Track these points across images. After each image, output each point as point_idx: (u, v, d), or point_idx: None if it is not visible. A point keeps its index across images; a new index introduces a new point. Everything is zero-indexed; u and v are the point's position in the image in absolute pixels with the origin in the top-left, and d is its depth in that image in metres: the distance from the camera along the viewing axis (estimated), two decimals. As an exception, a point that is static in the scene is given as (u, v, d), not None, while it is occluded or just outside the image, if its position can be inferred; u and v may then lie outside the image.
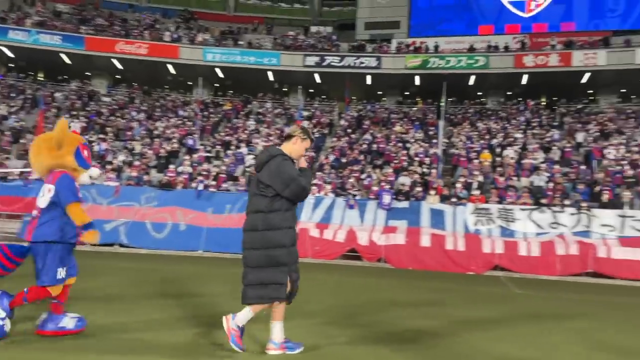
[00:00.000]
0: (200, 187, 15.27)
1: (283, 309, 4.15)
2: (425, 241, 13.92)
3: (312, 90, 34.22)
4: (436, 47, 30.87)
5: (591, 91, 30.58)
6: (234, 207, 14.94)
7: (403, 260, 13.84)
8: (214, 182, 16.61)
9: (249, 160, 19.07)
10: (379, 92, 33.45)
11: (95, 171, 4.77)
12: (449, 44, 31.88)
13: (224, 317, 4.19)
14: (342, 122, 27.58)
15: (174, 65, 30.40)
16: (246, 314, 4.16)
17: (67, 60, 29.93)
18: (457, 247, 13.74)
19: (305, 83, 32.75)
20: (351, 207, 15.03)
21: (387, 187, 16.08)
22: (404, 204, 15.31)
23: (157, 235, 14.30)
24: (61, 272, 4.25)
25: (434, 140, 22.99)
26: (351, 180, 17.08)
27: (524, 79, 29.36)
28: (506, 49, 29.67)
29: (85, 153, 4.60)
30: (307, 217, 14.85)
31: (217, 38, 32.16)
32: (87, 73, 32.10)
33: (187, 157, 19.14)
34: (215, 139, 22.32)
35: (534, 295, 9.40)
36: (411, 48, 31.06)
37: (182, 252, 14.05)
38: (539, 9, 31.96)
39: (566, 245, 13.25)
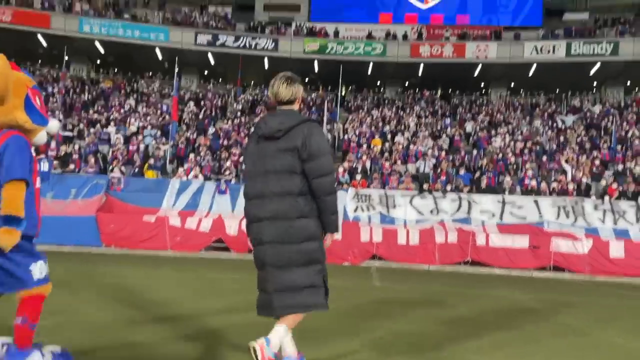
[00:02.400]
0: (44, 167, 12.93)
1: (300, 318, 3.18)
2: (300, 229, 12.66)
3: (207, 73, 32.18)
4: (336, 33, 29.99)
5: (483, 84, 31.23)
6: (80, 192, 12.80)
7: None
8: (55, 163, 14.25)
9: (117, 140, 16.87)
10: (277, 78, 32.04)
11: (54, 125, 3.28)
12: (349, 31, 31.17)
13: (255, 346, 2.93)
14: (236, 105, 25.96)
15: (45, 36, 27.01)
16: (279, 333, 3.06)
17: None
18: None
19: (198, 64, 30.69)
20: (222, 192, 13.45)
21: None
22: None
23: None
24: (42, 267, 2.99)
25: (329, 126, 22.07)
26: (228, 163, 15.49)
27: (421, 70, 29.30)
28: (404, 37, 29.39)
29: (38, 101, 3.06)
30: (170, 204, 13.09)
31: (98, 9, 29.00)
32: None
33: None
34: (81, 118, 19.74)
35: (391, 288, 8.43)
36: (310, 32, 29.94)
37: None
38: (436, 1, 32.06)
39: (446, 233, 12.58)
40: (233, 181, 14.37)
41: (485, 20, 31.64)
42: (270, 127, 3.21)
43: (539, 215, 13.02)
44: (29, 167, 2.87)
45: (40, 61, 30.04)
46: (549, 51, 27.13)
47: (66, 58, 29.61)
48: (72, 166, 14.26)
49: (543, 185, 14.31)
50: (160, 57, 29.19)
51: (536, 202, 13.25)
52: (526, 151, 18.00)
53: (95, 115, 19.67)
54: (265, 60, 29.17)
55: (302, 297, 3.08)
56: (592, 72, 27.80)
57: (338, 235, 3.60)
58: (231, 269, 10.05)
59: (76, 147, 15.95)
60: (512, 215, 13.14)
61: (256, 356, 2.91)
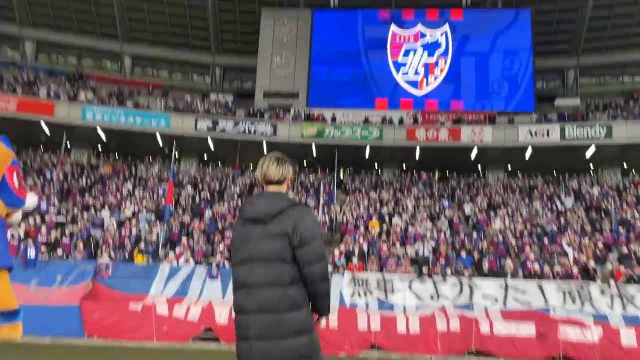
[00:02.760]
0: (31, 254, 12.57)
1: None
2: (294, 317, 12.04)
3: (206, 157, 32.59)
4: (333, 118, 30.72)
5: (480, 167, 31.46)
6: (66, 279, 12.33)
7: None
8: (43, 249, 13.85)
9: (110, 225, 16.60)
10: (277, 162, 32.39)
11: (32, 202, 3.07)
12: (346, 117, 31.95)
13: None
14: (234, 189, 25.98)
15: (49, 124, 27.56)
16: None
17: None
18: (329, 325, 11.97)
19: (198, 149, 31.17)
20: (213, 277, 12.97)
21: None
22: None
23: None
24: None
25: (326, 209, 21.94)
26: (221, 247, 15.11)
27: (417, 153, 29.64)
28: (400, 122, 30.04)
29: (16, 180, 2.88)
30: (158, 291, 12.56)
31: (102, 98, 29.88)
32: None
33: (30, 221, 16.30)
34: (76, 203, 19.61)
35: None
36: (308, 117, 30.67)
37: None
38: (431, 88, 33.11)
39: (447, 320, 11.94)
40: (226, 265, 13.91)
41: (479, 106, 32.47)
42: (258, 210, 2.98)
43: (545, 301, 12.43)
44: (7, 253, 2.63)
45: (42, 147, 30.56)
46: (543, 135, 27.58)
47: (68, 145, 30.34)
48: (60, 252, 13.86)
49: (546, 269, 13.82)
50: (160, 143, 29.65)
51: (540, 287, 12.72)
52: (526, 233, 17.64)
53: (91, 200, 19.54)
54: (264, 144, 29.60)
55: None
56: (589, 155, 28.06)
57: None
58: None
59: (67, 232, 15.63)
60: (516, 301, 12.55)
61: None
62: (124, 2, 34.13)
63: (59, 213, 17.87)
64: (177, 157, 30.83)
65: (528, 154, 28.35)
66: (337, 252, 14.97)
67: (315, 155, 30.38)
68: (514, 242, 16.70)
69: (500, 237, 17.41)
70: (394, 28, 34.09)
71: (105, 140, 29.53)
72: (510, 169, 31.00)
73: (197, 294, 12.67)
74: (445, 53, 33.42)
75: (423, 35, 33.97)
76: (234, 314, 3.01)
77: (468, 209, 22.32)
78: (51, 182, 22.27)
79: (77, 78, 34.01)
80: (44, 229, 15.24)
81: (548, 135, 27.41)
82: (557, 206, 22.28)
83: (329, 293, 3.03)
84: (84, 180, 23.84)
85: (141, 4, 34.82)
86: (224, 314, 12.05)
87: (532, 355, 11.42)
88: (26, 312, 9.85)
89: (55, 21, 35.70)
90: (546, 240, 17.07)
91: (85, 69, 36.55)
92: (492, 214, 20.95)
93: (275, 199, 3.01)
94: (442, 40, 33.71)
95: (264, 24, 34.92)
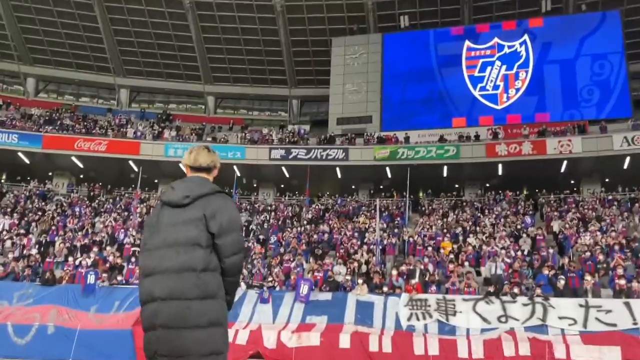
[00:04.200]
0: (91, 279, 13.09)
1: None
2: (344, 341, 11.36)
3: (282, 186, 33.03)
4: (406, 138, 29.87)
5: (573, 181, 28.85)
6: (123, 304, 12.63)
7: (318, 366, 11.23)
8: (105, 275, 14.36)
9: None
10: (352, 186, 32.07)
11: None
12: (421, 137, 30.99)
13: None
14: (308, 215, 25.90)
15: (136, 162, 29.43)
16: None
17: (25, 159, 29.14)
18: (382, 349, 11.15)
19: (274, 178, 31.71)
20: (264, 300, 12.66)
21: (309, 276, 13.81)
22: (326, 296, 12.92)
23: (18, 341, 11.85)
24: None
25: (396, 231, 21.08)
26: (277, 270, 14.84)
27: (500, 170, 27.88)
28: (477, 138, 28.51)
29: None
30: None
31: (183, 135, 31.49)
32: (49, 173, 31.24)
33: (101, 250, 17.19)
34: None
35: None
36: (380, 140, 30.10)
37: (46, 361, 11.54)
38: (511, 101, 31.27)
39: (516, 344, 10.63)
40: (277, 288, 13.60)
41: (567, 116, 30.04)
42: (177, 193, 2.83)
43: (633, 321, 10.69)
44: None
45: (133, 185, 32.65)
46: (642, 142, 24.78)
47: (156, 181, 32.18)
48: (119, 278, 14.34)
49: (635, 285, 11.96)
50: (238, 173, 30.50)
51: (628, 304, 10.99)
52: (617, 247, 15.57)
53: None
54: (338, 170, 29.45)
55: None
56: (697, 161, 24.79)
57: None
58: None
59: (133, 259, 16.23)
60: (598, 322, 10.93)
61: None
62: (203, 45, 36.02)
63: (133, 244, 18.65)
64: (254, 185, 31.85)
65: (626, 163, 25.58)
66: (394, 273, 14.10)
67: (389, 177, 29.64)
68: (601, 257, 14.77)
69: (588, 254, 15.52)
70: (468, 43, 32.81)
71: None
72: (607, 181, 28.08)
73: (247, 318, 12.41)
74: (526, 63, 31.49)
75: (500, 47, 32.34)
76: (140, 304, 2.77)
77: (556, 225, 20.34)
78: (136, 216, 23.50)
79: (164, 119, 36.22)
80: (111, 257, 15.96)
81: (648, 142, 24.57)
82: (660, 219, 19.67)
83: (238, 286, 2.98)
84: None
85: (219, 47, 36.58)
86: (272, 338, 11.68)
87: (619, 384, 9.79)
88: (81, 337, 10.10)
89: (144, 68, 38.44)
90: (643, 256, 14.97)
91: (172, 110, 38.99)
92: (582, 229, 18.88)
93: (198, 184, 2.87)
94: (522, 50, 31.87)
95: (335, 52, 35.21)
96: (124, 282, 14.29)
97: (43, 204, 25.72)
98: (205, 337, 2.61)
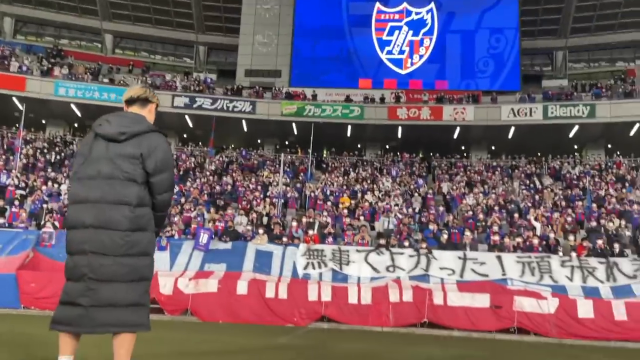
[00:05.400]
0: (-31, 222, 12.11)
1: (133, 342, 2.81)
2: (242, 288, 11.63)
3: (185, 135, 32.04)
4: (314, 96, 30.08)
5: (464, 147, 30.95)
6: (5, 248, 11.88)
7: (214, 312, 11.41)
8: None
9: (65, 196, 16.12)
10: (258, 140, 31.93)
11: None
12: (328, 96, 31.35)
13: None
14: (211, 166, 25.47)
15: (20, 99, 26.94)
16: None
17: None
18: (278, 295, 11.57)
19: (177, 126, 30.61)
20: (162, 248, 12.51)
21: (210, 226, 13.82)
22: (226, 245, 13.04)
23: None
24: None
25: (299, 186, 21.47)
26: (176, 219, 14.64)
27: (399, 132, 29.12)
28: (382, 100, 29.44)
29: None
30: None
31: (76, 74, 29.20)
32: None
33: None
34: (40, 177, 19.09)
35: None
36: (288, 95, 30.04)
37: None
38: (414, 67, 32.49)
39: (400, 291, 11.52)
40: (176, 236, 13.47)
41: (463, 85, 31.88)
42: (113, 128, 2.90)
43: (502, 272, 12.01)
44: None
45: (16, 124, 29.97)
46: (526, 114, 27.05)
47: (44, 122, 29.78)
48: (1, 220, 13.37)
49: (507, 240, 13.38)
50: (136, 119, 29.08)
51: (499, 257, 12.29)
52: (497, 208, 17.19)
53: (53, 174, 19.05)
54: (244, 122, 29.09)
55: (125, 314, 2.76)
56: (571, 134, 27.60)
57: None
58: (164, 329, 8.80)
59: (17, 202, 15.17)
60: (473, 272, 12.13)
61: None
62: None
63: (17, 187, 17.36)
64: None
65: (511, 133, 27.87)
66: (294, 224, 14.52)
67: (295, 133, 29.85)
68: (482, 216, 16.24)
69: (470, 213, 16.97)
70: (378, 5, 33.35)
71: (79, 116, 28.97)
72: (493, 148, 30.49)
73: (143, 264, 12.20)
74: (430, 31, 32.73)
75: (409, 13, 33.26)
76: (66, 228, 2.98)
77: (445, 187, 21.86)
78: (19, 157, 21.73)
79: (55, 54, 33.28)
80: (-4, 200, 14.81)
81: (530, 114, 26.89)
82: (534, 184, 21.82)
83: (165, 220, 3.28)
84: (54, 156, 23.32)
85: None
86: (168, 285, 11.64)
87: (485, 327, 11.03)
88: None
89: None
90: (516, 216, 16.64)
91: (65, 46, 35.86)
92: (468, 191, 20.49)
93: (133, 120, 2.96)
94: (428, 18, 33.00)
95: (246, 1, 34.20)
96: (6, 225, 13.34)
97: None
98: (134, 265, 2.81)
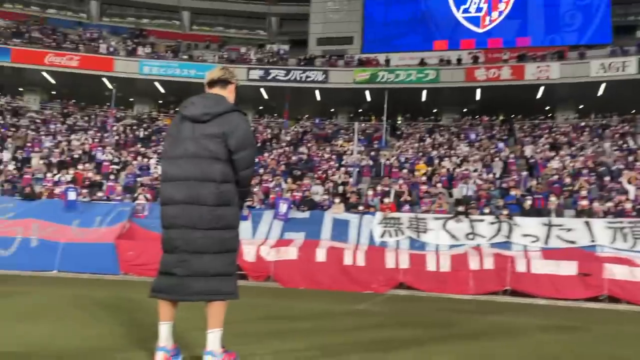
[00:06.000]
0: (71, 195, 13.23)
1: (224, 309, 3.07)
2: (320, 255, 11.93)
3: (261, 107, 32.74)
4: (387, 61, 29.52)
5: (548, 107, 29.28)
6: (104, 220, 12.90)
7: (295, 279, 11.83)
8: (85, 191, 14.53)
9: (155, 170, 17.17)
10: (331, 109, 32.02)
11: None
12: (402, 60, 30.61)
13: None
14: (287, 137, 25.97)
15: (110, 78, 28.64)
16: (217, 338, 3.01)
17: (-8, 74, 28.09)
18: (356, 262, 11.76)
19: (253, 99, 31.29)
20: (244, 217, 13.01)
21: (288, 195, 14.18)
22: (305, 214, 13.37)
23: (1, 252, 12.13)
24: None
25: (373, 154, 21.41)
26: (256, 189, 15.16)
27: (478, 94, 28.02)
28: (459, 62, 28.36)
29: None
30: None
31: (158, 52, 30.50)
32: (19, 89, 30.28)
33: (80, 167, 17.20)
34: (131, 152, 20.40)
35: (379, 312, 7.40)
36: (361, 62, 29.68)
37: (31, 272, 11.89)
38: (493, 24, 30.90)
39: (481, 259, 11.32)
40: (257, 206, 13.98)
41: (547, 41, 29.95)
42: (197, 109, 3.11)
43: (591, 239, 11.43)
44: None
45: (107, 103, 31.99)
46: (618, 68, 25.06)
47: (131, 99, 31.53)
48: (100, 194, 14.52)
49: (596, 205, 12.66)
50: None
51: (587, 223, 11.68)
52: (585, 171, 16.23)
53: (143, 149, 20.29)
54: (317, 92, 29.21)
55: (215, 284, 3.00)
56: (671, 89, 25.25)
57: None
58: (250, 295, 9.27)
59: (112, 176, 16.35)
60: (559, 239, 11.64)
61: None
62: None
63: (112, 162, 18.67)
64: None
65: (601, 89, 25.97)
66: (370, 193, 14.57)
67: (369, 100, 29.58)
68: (568, 180, 15.43)
69: (556, 177, 16.17)
70: (453, -39, 31.77)
71: (163, 93, 30.39)
72: (581, 107, 28.58)
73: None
74: (510, -15, 30.82)
75: (486, -33, 31.45)
76: (160, 204, 3.20)
77: (528, 150, 20.91)
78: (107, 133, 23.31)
79: (137, 35, 34.85)
80: (90, 175, 16.04)
81: (623, 68, 24.85)
82: (628, 145, 20.32)
83: (249, 194, 3.63)
84: (142, 132, 24.74)
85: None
86: (251, 253, 12.16)
87: (572, 295, 10.59)
88: (65, 250, 10.36)
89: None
90: (607, 179, 15.65)
91: (146, 25, 37.43)
92: (553, 154, 19.47)
93: (216, 101, 3.14)
94: (507, -29, 31.05)
95: (316, -34, 33.83)
96: (104, 198, 14.50)
97: (15, 120, 25.19)
98: (221, 238, 3.02)
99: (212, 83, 3.26)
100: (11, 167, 17.49)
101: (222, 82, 3.25)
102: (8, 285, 8.71)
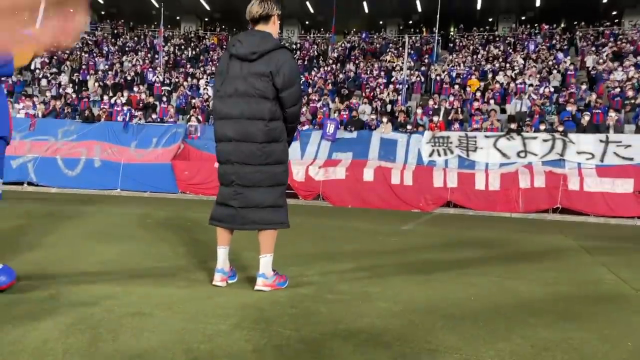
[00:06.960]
0: (127, 117, 13.75)
1: (274, 236, 3.33)
2: (368, 175, 12.10)
3: (307, 22, 31.94)
4: (439, -35, 27.62)
5: (615, 12, 27.03)
6: (160, 141, 13.43)
7: (343, 198, 12.14)
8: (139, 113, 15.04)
9: (205, 92, 17.42)
10: (380, 22, 30.82)
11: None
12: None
13: (261, 288, 3.24)
14: (334, 54, 25.43)
15: (154, -3, 28.48)
16: (268, 263, 3.28)
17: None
18: (403, 182, 11.88)
19: (299, 13, 30.55)
20: (293, 138, 13.21)
21: (336, 115, 14.15)
22: (352, 134, 13.42)
23: (69, 173, 12.99)
24: None
25: (423, 69, 20.76)
26: (304, 109, 15.20)
27: (538, 1, 26.13)
28: (516, -37, 26.28)
29: None
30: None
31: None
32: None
33: (135, 89, 17.65)
34: (180, 73, 20.66)
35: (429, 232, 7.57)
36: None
37: (96, 190, 12.74)
38: None
39: (532, 177, 11.18)
40: (306, 127, 14.10)
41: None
42: (245, 48, 3.18)
43: (651, 156, 10.99)
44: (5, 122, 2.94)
45: (155, 23, 31.98)
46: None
47: (177, 18, 31.37)
48: (154, 116, 15.00)
49: (659, 121, 12.01)
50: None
51: (648, 140, 11.18)
52: (651, 84, 15.24)
53: (192, 70, 20.47)
54: (365, 3, 28.08)
55: (267, 214, 3.21)
56: None
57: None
58: (301, 214, 9.66)
59: (164, 98, 16.74)
60: (616, 156, 11.26)
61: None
62: None
63: (163, 83, 19.03)
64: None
65: (678, -9, 23.62)
66: (419, 111, 14.34)
67: (420, 10, 28.22)
68: (631, 94, 14.57)
69: (618, 90, 15.29)
70: None
71: (209, 10, 30.02)
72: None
73: (277, 154, 13.11)
74: None
75: None
76: (215, 140, 3.36)
77: (590, 60, 19.68)
78: (156, 54, 23.52)
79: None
80: (143, 96, 16.48)
81: None
82: None
83: (296, 130, 3.68)
84: (190, 52, 24.83)
85: None
86: (300, 173, 12.46)
87: (626, 213, 10.44)
88: (126, 170, 11.01)
89: None
90: (676, 92, 14.67)
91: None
92: (617, 65, 18.26)
93: (262, 39, 3.18)
94: None
95: None
96: (158, 120, 15.00)
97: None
98: (272, 172, 3.20)
99: (255, 20, 3.27)
100: (70, 90, 18.17)
101: (264, 18, 3.25)
102: (82, 205, 9.43)
